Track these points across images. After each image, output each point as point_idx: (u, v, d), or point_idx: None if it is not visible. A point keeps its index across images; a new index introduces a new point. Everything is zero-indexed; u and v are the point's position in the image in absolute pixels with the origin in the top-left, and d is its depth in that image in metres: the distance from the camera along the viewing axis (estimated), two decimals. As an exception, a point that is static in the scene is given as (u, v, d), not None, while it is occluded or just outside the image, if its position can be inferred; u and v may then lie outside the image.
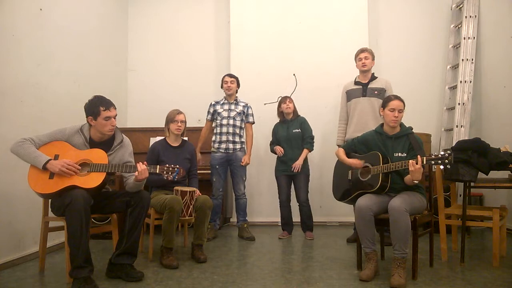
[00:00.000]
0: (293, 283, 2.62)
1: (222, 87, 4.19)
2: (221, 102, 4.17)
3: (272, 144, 4.19)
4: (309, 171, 4.09)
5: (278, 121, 4.20)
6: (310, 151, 4.04)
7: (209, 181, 4.14)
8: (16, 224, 3.15)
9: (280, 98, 4.18)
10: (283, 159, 4.07)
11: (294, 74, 4.09)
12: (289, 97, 4.12)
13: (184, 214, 3.07)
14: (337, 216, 4.75)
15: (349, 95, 3.86)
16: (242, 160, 4.07)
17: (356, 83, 3.85)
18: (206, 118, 4.20)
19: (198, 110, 4.80)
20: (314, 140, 4.09)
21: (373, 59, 3.81)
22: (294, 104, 4.10)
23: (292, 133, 4.03)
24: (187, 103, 4.49)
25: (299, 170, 3.96)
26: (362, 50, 3.81)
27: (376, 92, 3.73)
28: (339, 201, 3.14)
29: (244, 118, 4.17)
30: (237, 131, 4.11)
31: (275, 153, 4.13)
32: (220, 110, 4.11)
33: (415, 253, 2.64)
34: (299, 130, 4.04)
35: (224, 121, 4.08)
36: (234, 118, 4.09)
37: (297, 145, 4.03)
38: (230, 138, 4.06)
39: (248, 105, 4.22)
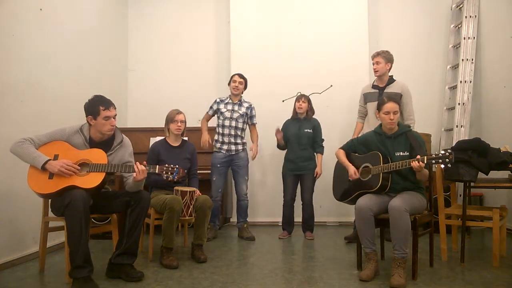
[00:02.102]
0: (293, 283, 2.62)
1: (229, 84, 4.16)
2: (226, 101, 4.13)
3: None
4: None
5: (291, 117, 4.13)
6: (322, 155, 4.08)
7: (209, 181, 4.11)
8: (16, 224, 3.15)
9: (298, 94, 4.14)
10: (290, 157, 4.05)
11: (331, 85, 4.15)
12: (305, 96, 4.04)
13: (184, 214, 3.07)
14: (337, 216, 4.75)
15: (366, 98, 3.88)
16: (251, 150, 4.11)
17: (373, 86, 3.85)
18: (207, 112, 4.17)
19: (198, 110, 4.78)
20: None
21: (387, 62, 3.75)
22: (309, 104, 4.05)
23: (303, 132, 4.01)
24: (187, 103, 4.48)
25: (320, 175, 4.04)
26: (373, 55, 3.79)
27: (393, 100, 3.71)
28: (339, 201, 3.14)
29: (246, 120, 4.17)
30: (239, 132, 4.10)
31: (280, 147, 4.08)
32: (223, 110, 4.09)
33: (415, 253, 2.64)
34: (311, 131, 4.03)
35: (227, 122, 4.06)
36: (236, 120, 4.08)
37: (307, 145, 4.02)
38: (232, 140, 4.06)
39: (252, 106, 4.20)
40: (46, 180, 2.54)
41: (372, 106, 3.79)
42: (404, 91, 3.72)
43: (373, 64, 3.77)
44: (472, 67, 4.61)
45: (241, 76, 4.14)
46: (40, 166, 2.52)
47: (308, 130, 4.02)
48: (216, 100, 4.17)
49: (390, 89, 3.75)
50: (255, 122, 4.21)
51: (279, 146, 4.15)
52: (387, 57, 3.76)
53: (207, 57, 5.33)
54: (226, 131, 4.06)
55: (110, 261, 2.71)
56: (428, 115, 4.95)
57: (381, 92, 3.75)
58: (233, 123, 4.07)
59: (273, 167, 4.57)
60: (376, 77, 3.85)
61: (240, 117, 4.10)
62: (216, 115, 4.17)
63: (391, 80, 3.81)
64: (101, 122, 2.66)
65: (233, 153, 4.06)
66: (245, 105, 4.16)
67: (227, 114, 4.07)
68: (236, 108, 4.11)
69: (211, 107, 4.17)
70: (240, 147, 4.10)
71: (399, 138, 2.83)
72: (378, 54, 3.78)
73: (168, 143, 3.46)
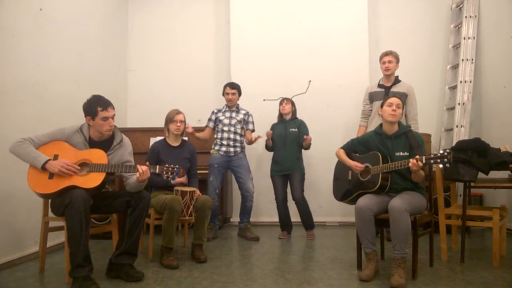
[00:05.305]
0: (293, 283, 2.62)
1: (223, 95, 4.18)
2: (223, 110, 4.17)
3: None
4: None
5: (277, 120, 4.22)
6: (309, 142, 3.96)
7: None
8: (16, 224, 3.15)
9: (281, 98, 4.21)
10: (276, 159, 4.09)
11: (309, 81, 4.12)
12: (287, 99, 4.14)
13: (184, 214, 3.07)
14: (337, 216, 4.75)
15: (372, 97, 3.93)
16: (252, 137, 4.02)
17: (379, 85, 3.91)
18: (208, 125, 4.16)
19: (198, 110, 4.80)
20: (312, 142, 4.07)
21: (397, 62, 3.84)
22: (292, 106, 4.13)
23: (289, 132, 4.05)
24: (187, 103, 4.48)
25: (310, 141, 3.94)
26: (386, 53, 3.84)
27: (397, 96, 3.73)
28: (339, 201, 3.14)
29: (244, 126, 4.19)
30: (237, 137, 4.12)
31: (268, 148, 4.13)
32: (221, 118, 4.11)
33: (415, 253, 2.64)
34: (296, 130, 4.06)
35: (226, 128, 4.08)
36: (234, 126, 4.10)
37: (292, 145, 4.04)
38: (231, 143, 4.08)
39: (249, 113, 4.22)
40: (46, 180, 2.54)
41: (378, 105, 3.82)
42: (409, 92, 3.80)
43: (385, 62, 3.81)
44: (472, 67, 4.61)
45: (232, 86, 4.12)
46: (40, 166, 2.52)
47: (294, 129, 4.06)
48: (213, 111, 4.19)
49: (396, 88, 3.81)
50: (251, 128, 4.22)
51: (267, 147, 4.19)
52: (397, 57, 3.85)
53: (207, 56, 5.34)
54: (225, 135, 4.07)
55: (110, 261, 2.71)
56: (428, 115, 4.94)
57: (387, 91, 3.80)
58: (232, 129, 4.09)
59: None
60: (383, 76, 3.90)
61: (238, 123, 4.13)
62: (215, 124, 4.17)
63: (397, 80, 3.87)
64: (99, 123, 2.66)
65: (231, 154, 4.06)
66: (242, 112, 4.19)
67: (226, 121, 4.10)
68: (234, 115, 4.13)
69: (209, 119, 4.17)
70: (238, 149, 4.11)
71: (399, 138, 2.83)
72: (390, 53, 3.83)
73: (168, 143, 3.46)
